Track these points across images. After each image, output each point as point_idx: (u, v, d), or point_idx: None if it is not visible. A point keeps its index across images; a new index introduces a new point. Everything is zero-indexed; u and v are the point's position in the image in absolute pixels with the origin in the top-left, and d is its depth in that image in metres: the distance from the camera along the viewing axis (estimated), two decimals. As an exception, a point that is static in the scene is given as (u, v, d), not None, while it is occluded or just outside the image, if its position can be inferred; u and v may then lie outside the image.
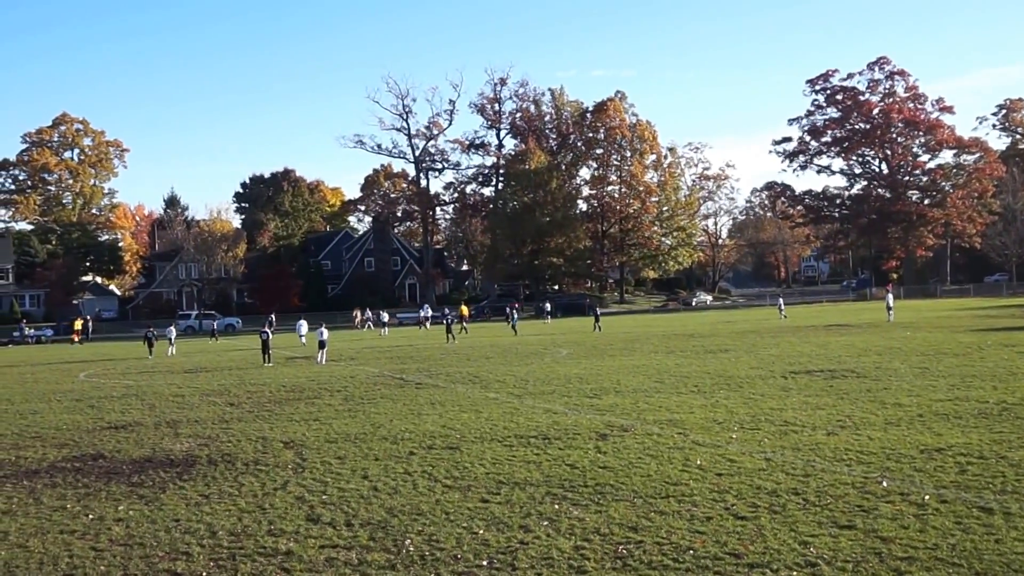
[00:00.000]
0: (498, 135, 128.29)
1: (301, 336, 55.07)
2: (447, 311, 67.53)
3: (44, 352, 64.24)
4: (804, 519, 10.96)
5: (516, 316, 63.90)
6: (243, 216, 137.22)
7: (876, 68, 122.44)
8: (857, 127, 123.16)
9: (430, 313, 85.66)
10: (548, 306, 68.69)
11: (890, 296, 59.47)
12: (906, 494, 11.91)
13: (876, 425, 17.16)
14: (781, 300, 75.08)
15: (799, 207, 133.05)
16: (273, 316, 77.56)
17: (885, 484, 12.47)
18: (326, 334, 41.60)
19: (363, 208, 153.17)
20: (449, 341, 52.86)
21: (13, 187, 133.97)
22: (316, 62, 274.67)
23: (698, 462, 14.37)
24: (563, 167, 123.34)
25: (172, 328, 59.89)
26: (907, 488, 12.22)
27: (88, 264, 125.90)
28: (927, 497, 11.70)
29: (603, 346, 43.19)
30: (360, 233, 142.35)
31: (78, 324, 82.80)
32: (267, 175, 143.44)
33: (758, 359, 32.26)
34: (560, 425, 18.74)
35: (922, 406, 19.21)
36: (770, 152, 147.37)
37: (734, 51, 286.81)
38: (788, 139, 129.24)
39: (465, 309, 71.88)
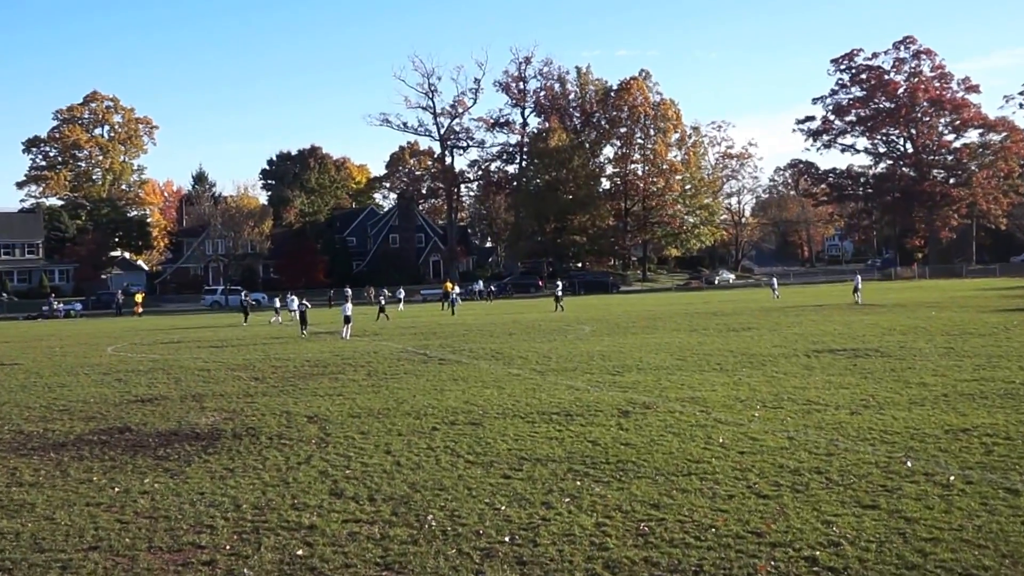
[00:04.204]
0: (523, 113, 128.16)
1: (292, 311, 55.34)
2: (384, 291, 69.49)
3: (73, 326, 64.65)
4: (827, 498, 10.85)
5: (458, 299, 66.61)
6: (269, 192, 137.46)
7: (902, 47, 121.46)
8: (882, 106, 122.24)
9: (481, 286, 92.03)
10: (560, 285, 67.70)
11: (858, 278, 58.39)
12: (931, 474, 11.77)
13: (900, 405, 17.00)
14: (775, 280, 74.37)
15: (823, 185, 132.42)
16: (243, 292, 78.95)
17: (909, 464, 12.33)
18: (351, 310, 41.75)
19: (388, 185, 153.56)
20: (379, 319, 53.65)
21: (44, 163, 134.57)
22: (342, 41, 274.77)
23: (720, 440, 14.27)
24: (587, 145, 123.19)
25: (277, 300, 61.03)
26: (932, 468, 12.08)
27: (117, 240, 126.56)
28: (952, 478, 11.56)
29: (625, 324, 43.05)
30: (385, 210, 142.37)
31: (139, 298, 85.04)
32: (294, 152, 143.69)
33: (781, 337, 32.07)
34: (582, 402, 18.67)
35: (947, 386, 19.02)
36: (794, 131, 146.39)
37: (758, 31, 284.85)
38: (812, 118, 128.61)
39: (449, 286, 72.07)
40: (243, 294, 70.11)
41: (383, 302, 59.11)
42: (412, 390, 21.44)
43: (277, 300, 60.14)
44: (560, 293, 63.58)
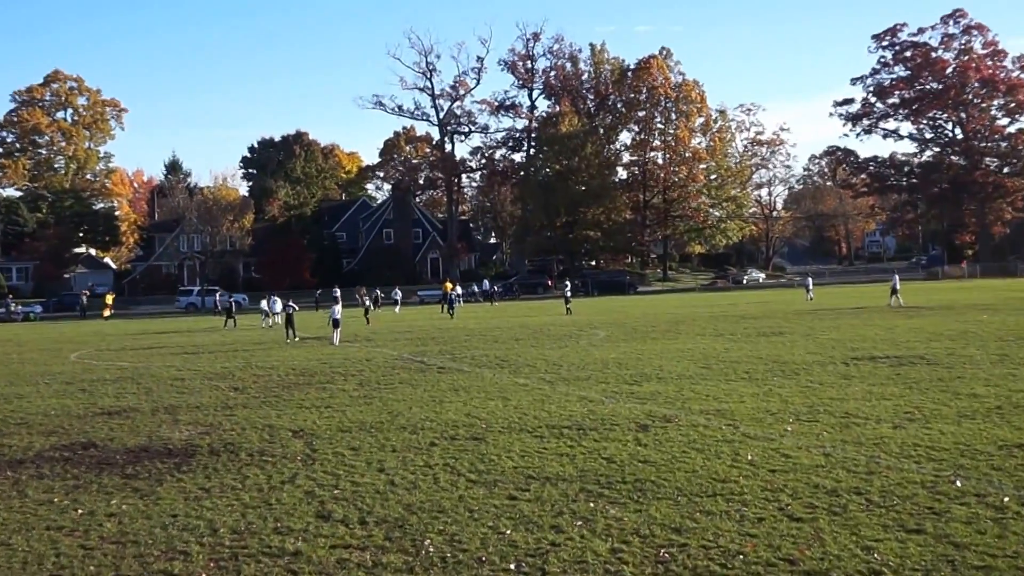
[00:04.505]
0: (530, 96, 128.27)
1: (275, 314, 55.41)
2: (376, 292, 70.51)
3: (33, 331, 64.75)
4: (867, 522, 10.82)
5: (459, 301, 68.48)
6: (251, 183, 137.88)
7: (951, 22, 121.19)
8: (928, 87, 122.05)
9: (487, 286, 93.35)
10: (568, 284, 67.52)
11: (896, 278, 57.44)
12: (982, 495, 11.74)
13: (949, 418, 16.96)
14: (809, 280, 73.81)
15: (863, 175, 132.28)
16: (219, 292, 79.90)
17: (959, 484, 12.30)
18: (340, 312, 41.81)
19: (382, 175, 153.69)
20: (368, 323, 54.09)
21: (0, 150, 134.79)
22: (331, 16, 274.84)
23: (749, 457, 14.26)
24: (601, 131, 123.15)
25: (264, 302, 60.48)
26: (983, 488, 12.05)
27: (81, 235, 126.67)
28: (1006, 499, 11.52)
29: (644, 328, 43.06)
30: (379, 202, 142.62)
31: (109, 299, 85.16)
32: (277, 138, 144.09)
33: (816, 343, 32.04)
34: (596, 415, 18.66)
35: (1001, 397, 18.98)
36: (831, 115, 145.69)
37: (791, 4, 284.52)
38: (851, 100, 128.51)
39: (449, 286, 72.10)
40: (218, 294, 70.51)
41: (367, 304, 59.05)
42: (408, 402, 21.45)
43: (264, 302, 60.36)
44: (568, 294, 63.45)
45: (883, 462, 13.63)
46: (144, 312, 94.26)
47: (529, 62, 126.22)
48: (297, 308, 46.18)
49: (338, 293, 71.03)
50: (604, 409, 19.35)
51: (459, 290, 77.48)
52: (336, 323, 40.89)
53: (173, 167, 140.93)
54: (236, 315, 60.84)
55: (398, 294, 76.47)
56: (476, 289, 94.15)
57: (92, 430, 19.05)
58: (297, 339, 42.46)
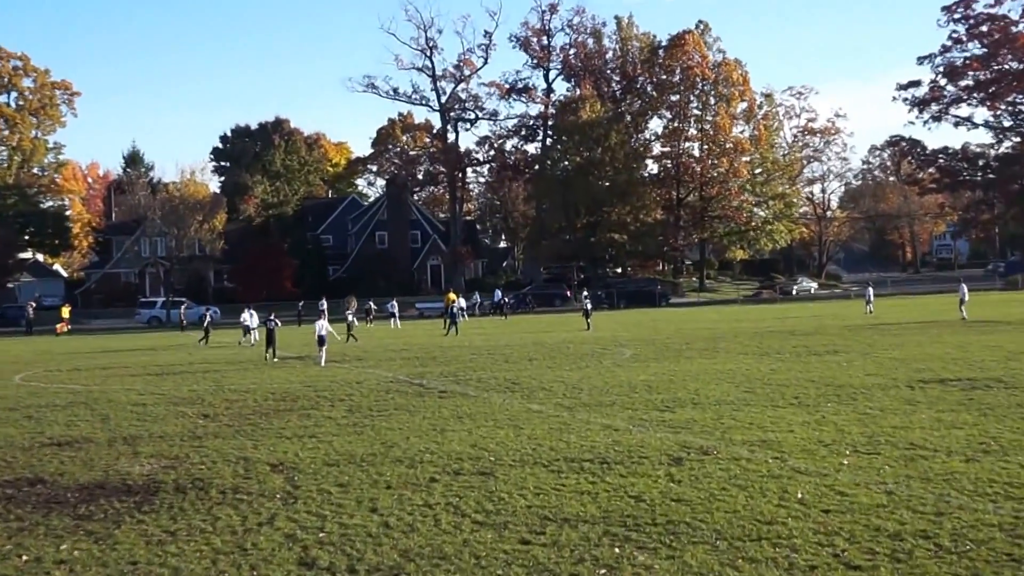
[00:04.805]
0: (546, 77, 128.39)
1: (252, 329, 55.39)
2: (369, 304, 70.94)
3: (-27, 348, 64.86)
4: (936, 570, 10.81)
5: (463, 314, 68.94)
6: (223, 178, 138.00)
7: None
8: (1007, 67, 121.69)
9: (498, 297, 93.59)
10: (588, 295, 67.56)
11: (963, 288, 56.97)
12: (1070, 539, 11.73)
13: (1030, 450, 16.96)
14: (871, 290, 72.73)
15: (931, 169, 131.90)
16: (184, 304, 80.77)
17: (1042, 526, 12.29)
18: (326, 328, 41.80)
19: (375, 169, 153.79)
20: (348, 340, 54.46)
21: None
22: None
23: (799, 495, 14.25)
24: (628, 117, 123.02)
25: (244, 315, 59.78)
26: (1071, 532, 12.04)
27: (27, 238, 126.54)
28: (1097, 544, 11.51)
29: (677, 345, 43.06)
30: (371, 200, 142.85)
31: (66, 312, 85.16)
32: (254, 126, 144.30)
33: (877, 364, 32.00)
34: (622, 446, 18.66)
35: (1090, 426, 18.96)
36: (894, 99, 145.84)
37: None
38: (917, 83, 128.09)
39: (452, 297, 72.02)
40: (183, 307, 70.75)
41: (351, 319, 58.88)
42: (404, 431, 21.47)
43: (244, 315, 60.35)
44: (589, 307, 63.42)
45: (954, 501, 13.62)
46: (100, 327, 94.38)
47: (545, 38, 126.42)
48: (279, 324, 46.09)
49: (324, 305, 70.93)
50: (631, 439, 19.35)
51: (463, 302, 77.46)
52: (322, 340, 40.90)
53: (133, 159, 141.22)
54: (210, 330, 60.99)
55: (394, 306, 76.30)
56: (478, 300, 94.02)
57: (39, 464, 19.09)
58: (276, 359, 42.54)
